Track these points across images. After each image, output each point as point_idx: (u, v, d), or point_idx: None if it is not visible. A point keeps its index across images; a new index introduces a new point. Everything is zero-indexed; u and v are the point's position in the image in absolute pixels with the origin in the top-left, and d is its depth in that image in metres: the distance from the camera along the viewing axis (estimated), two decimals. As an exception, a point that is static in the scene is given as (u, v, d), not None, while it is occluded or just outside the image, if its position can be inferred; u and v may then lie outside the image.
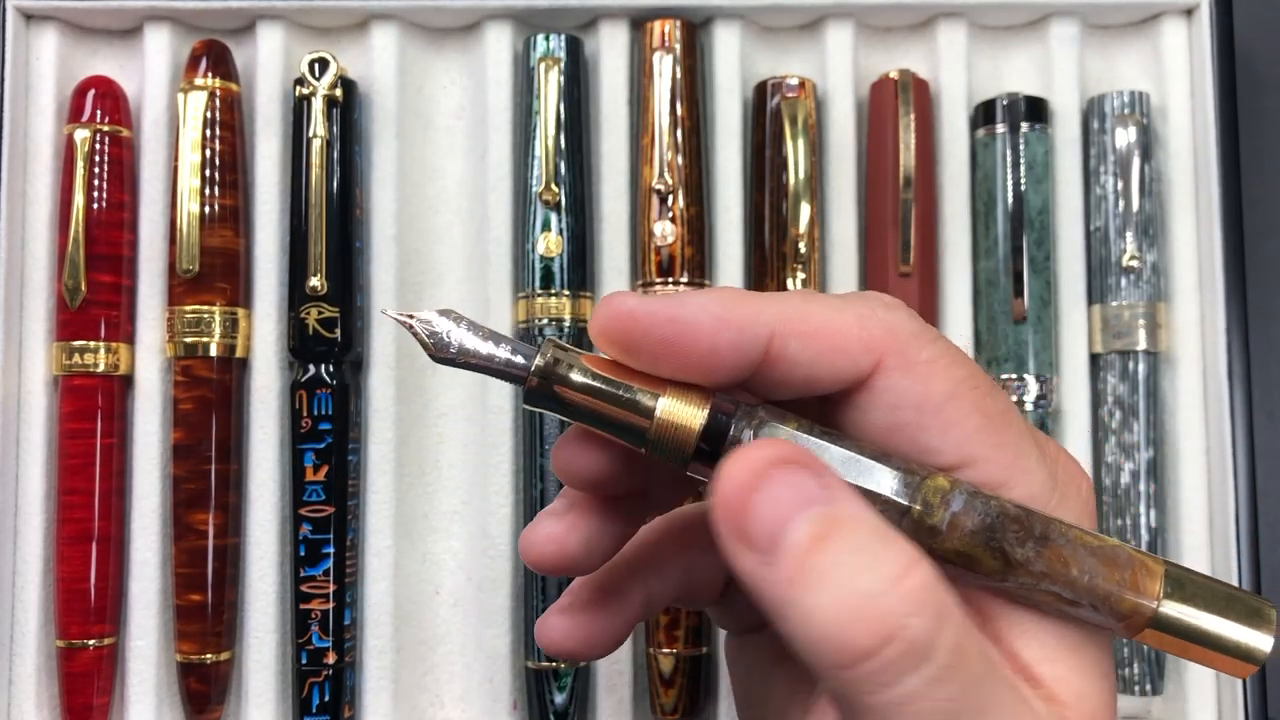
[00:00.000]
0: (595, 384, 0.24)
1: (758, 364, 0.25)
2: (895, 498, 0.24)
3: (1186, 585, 0.25)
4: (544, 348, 0.25)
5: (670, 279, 0.53)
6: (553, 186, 0.53)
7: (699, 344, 0.24)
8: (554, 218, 0.53)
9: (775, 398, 0.26)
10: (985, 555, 0.24)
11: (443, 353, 0.25)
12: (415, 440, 0.55)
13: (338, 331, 0.52)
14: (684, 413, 0.24)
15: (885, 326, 0.25)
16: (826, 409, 0.27)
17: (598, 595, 0.29)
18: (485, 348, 0.25)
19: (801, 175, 0.53)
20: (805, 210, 0.53)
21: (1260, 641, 0.25)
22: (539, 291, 0.53)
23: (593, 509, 0.27)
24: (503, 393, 0.54)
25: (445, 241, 0.56)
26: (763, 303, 0.25)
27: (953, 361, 0.26)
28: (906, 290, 0.54)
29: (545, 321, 0.53)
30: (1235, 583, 0.50)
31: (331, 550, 0.52)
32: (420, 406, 0.55)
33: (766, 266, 0.54)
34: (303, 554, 0.52)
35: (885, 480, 0.24)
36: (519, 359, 0.25)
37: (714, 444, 0.24)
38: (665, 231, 0.53)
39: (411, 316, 0.25)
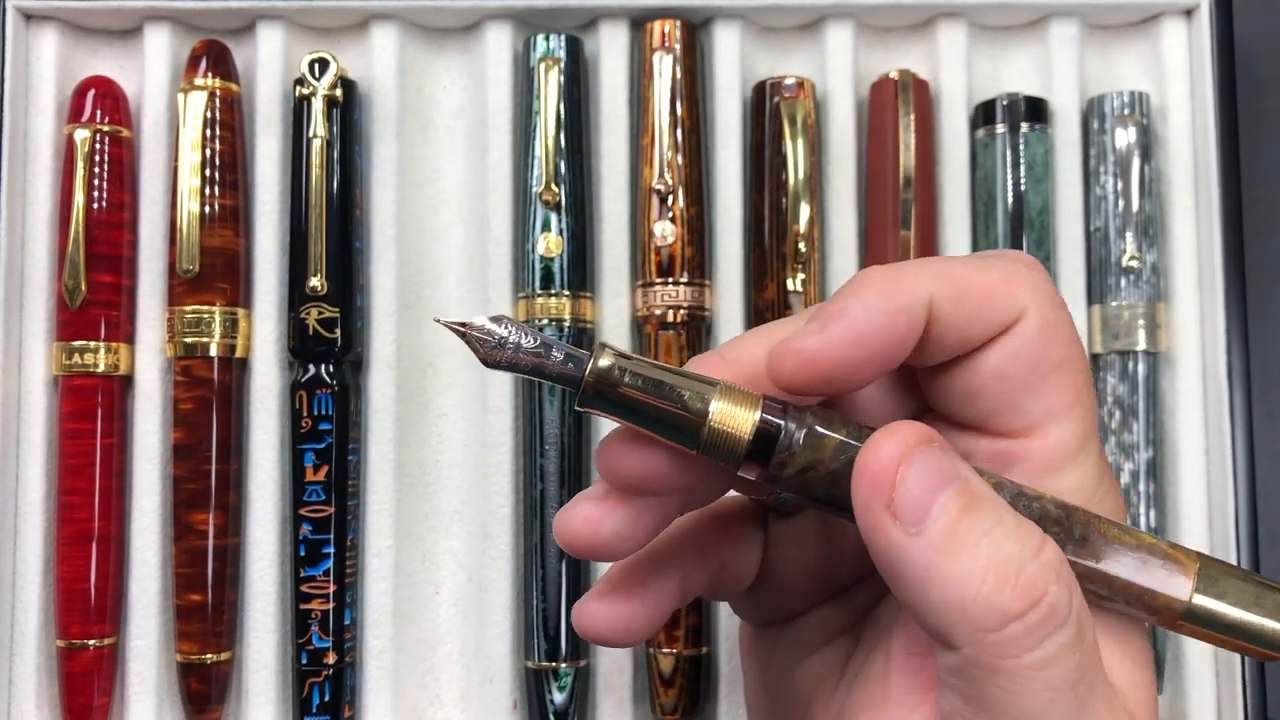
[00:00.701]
0: (649, 388, 0.25)
1: (924, 330, 0.26)
2: None
3: (1220, 580, 0.26)
4: (597, 351, 0.25)
5: (670, 279, 0.54)
6: (553, 186, 0.53)
7: (882, 347, 0.25)
8: (554, 218, 0.53)
9: (928, 363, 0.27)
10: None
11: (496, 358, 0.25)
12: (415, 440, 0.56)
13: (338, 332, 0.53)
14: (736, 415, 0.25)
15: (1028, 282, 0.26)
16: (933, 382, 0.27)
17: (634, 582, 0.30)
18: (539, 352, 0.25)
19: (801, 175, 0.53)
20: (805, 210, 0.54)
21: None
22: (539, 292, 0.53)
23: (630, 499, 0.27)
24: (502, 393, 0.54)
25: (445, 241, 0.56)
26: (913, 274, 0.26)
27: (1073, 338, 0.27)
28: None
29: (545, 322, 0.53)
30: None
31: (331, 550, 0.52)
32: (420, 407, 0.56)
33: (766, 266, 0.55)
34: (303, 554, 0.52)
35: None
36: (571, 365, 0.25)
37: (765, 445, 0.25)
38: (665, 232, 0.53)
39: (466, 325, 0.25)
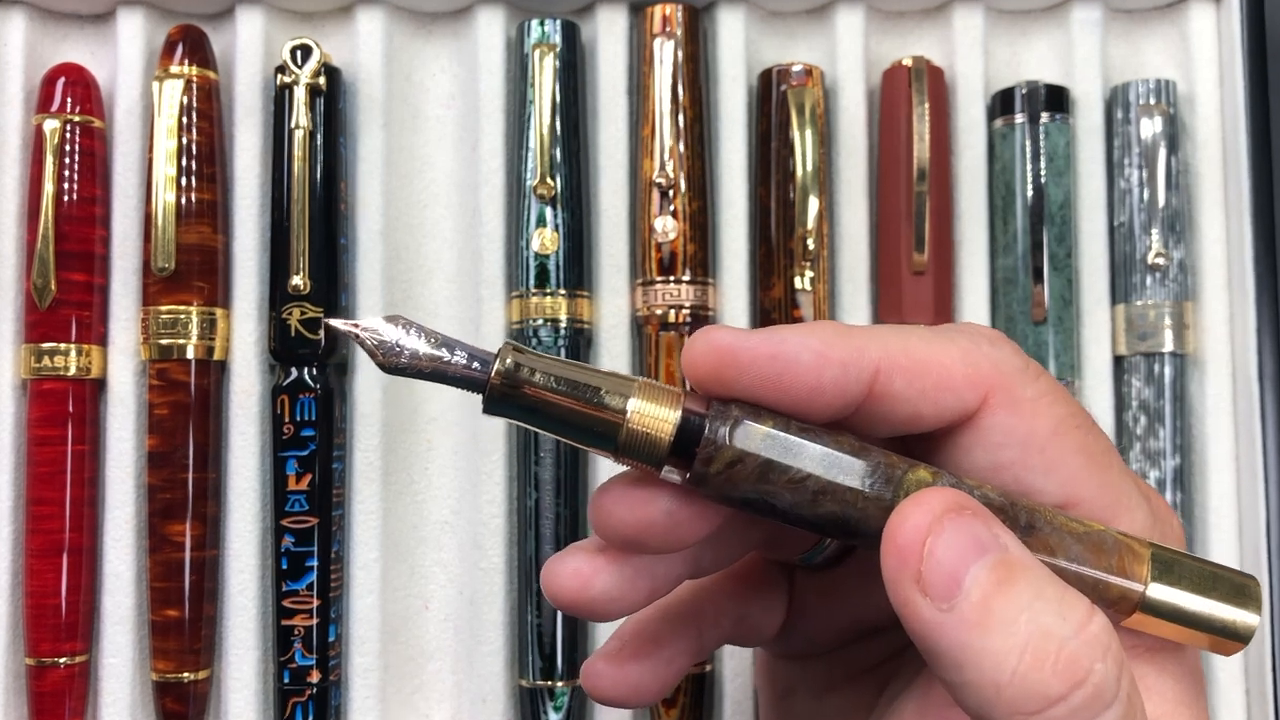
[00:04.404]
0: (561, 387, 0.25)
1: (861, 401, 0.26)
2: (876, 492, 0.26)
3: (1174, 567, 0.27)
4: (502, 351, 0.25)
5: (672, 277, 0.56)
6: (548, 180, 0.55)
7: (802, 382, 0.25)
8: (549, 212, 0.55)
9: (877, 435, 0.27)
10: None
11: (393, 362, 0.25)
12: (403, 447, 0.57)
13: (321, 333, 0.54)
14: (656, 413, 0.25)
15: (991, 362, 0.27)
16: (926, 446, 0.28)
17: (646, 640, 0.30)
18: (439, 354, 0.25)
19: (809, 167, 0.55)
20: (813, 204, 0.56)
21: (1247, 619, 0.27)
22: (534, 290, 0.55)
23: (626, 557, 0.27)
24: None
25: (435, 237, 0.58)
26: (866, 338, 0.26)
27: (1056, 399, 0.27)
28: (920, 289, 0.57)
29: (540, 322, 0.55)
30: (1267, 595, 0.53)
31: (315, 563, 0.54)
32: (408, 411, 0.57)
33: (773, 264, 0.57)
34: (285, 567, 0.54)
35: (865, 475, 0.26)
36: (476, 365, 0.25)
37: (688, 444, 0.25)
38: (666, 227, 0.55)
39: (357, 327, 0.25)
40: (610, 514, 0.26)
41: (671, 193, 0.55)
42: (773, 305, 0.57)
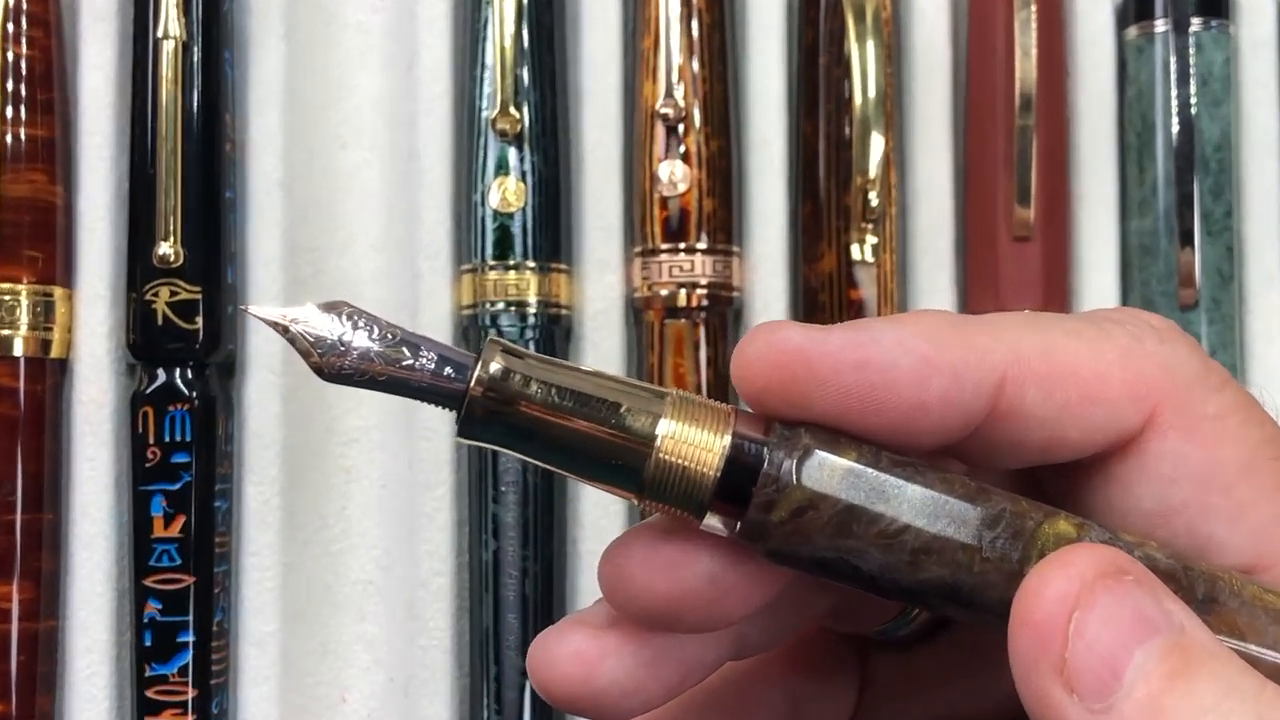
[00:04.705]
0: (566, 403, 0.24)
1: (979, 422, 0.25)
2: (1000, 551, 0.24)
3: None
4: (486, 352, 0.24)
5: (683, 244, 0.52)
6: (511, 110, 0.51)
7: (900, 398, 0.24)
8: (513, 155, 0.52)
9: (998, 467, 0.26)
10: None
11: (335, 365, 0.24)
12: (313, 478, 0.54)
13: (199, 321, 0.51)
14: (697, 440, 0.24)
15: (1161, 366, 0.25)
16: (1066, 484, 0.26)
17: None
18: (398, 355, 0.24)
19: (872, 94, 0.52)
20: (877, 144, 0.52)
21: None
22: (492, 263, 0.52)
23: (648, 636, 0.26)
24: (437, 409, 0.50)
25: (356, 189, 0.54)
26: (988, 334, 0.24)
27: (1248, 418, 0.26)
28: (1024, 260, 0.53)
29: (500, 306, 0.52)
30: None
31: (191, 638, 0.50)
32: (320, 429, 0.54)
33: (821, 226, 0.53)
34: (149, 644, 0.50)
35: (983, 527, 0.24)
36: (449, 370, 0.24)
37: (741, 482, 0.24)
38: (675, 175, 0.52)
39: (285, 318, 0.24)
40: (630, 579, 0.25)
41: (682, 128, 0.52)
42: (821, 283, 0.53)
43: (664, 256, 0.52)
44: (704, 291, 0.52)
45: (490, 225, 0.52)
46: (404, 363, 0.24)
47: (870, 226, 0.52)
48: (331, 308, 0.24)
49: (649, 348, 0.53)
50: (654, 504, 0.24)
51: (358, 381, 0.24)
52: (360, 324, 0.24)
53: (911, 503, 0.24)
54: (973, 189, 0.54)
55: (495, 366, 0.24)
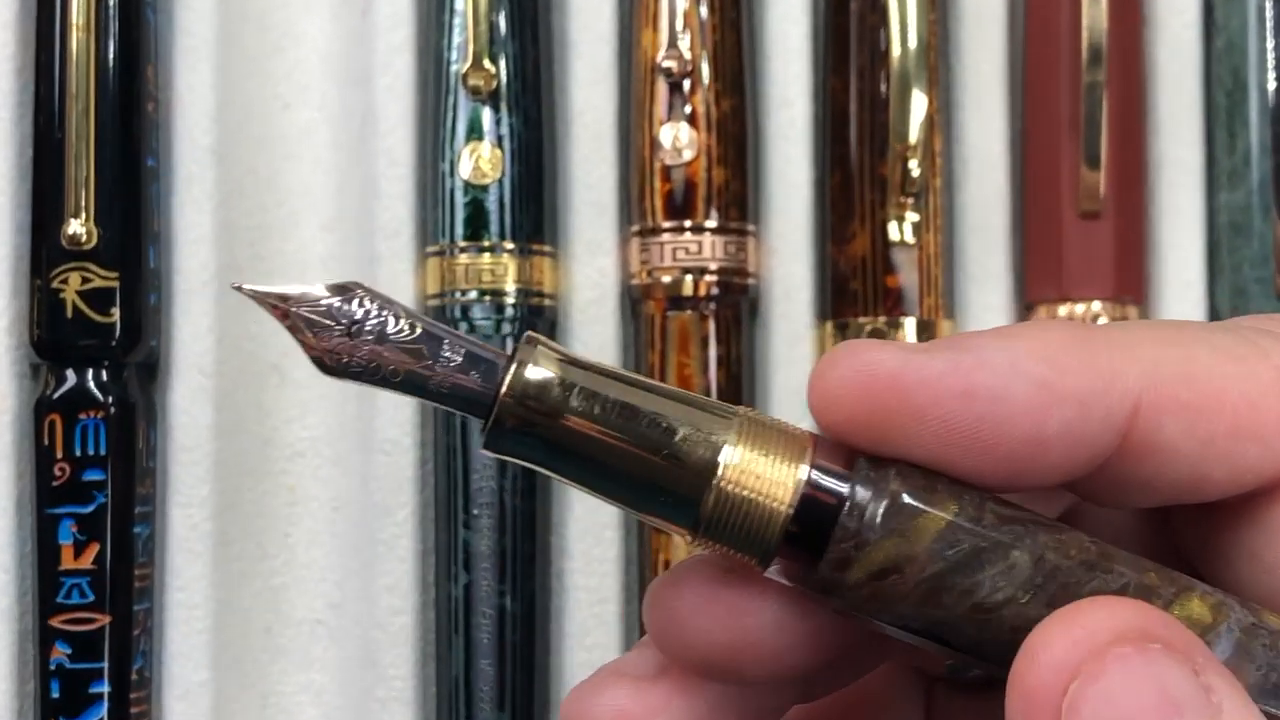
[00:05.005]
0: (613, 417, 0.23)
1: (1106, 457, 0.23)
2: None
3: None
4: (523, 349, 0.23)
5: (689, 222, 0.49)
6: (486, 64, 0.49)
7: (1012, 434, 0.23)
8: (488, 117, 0.50)
9: (1123, 505, 0.25)
10: None
11: (342, 358, 0.23)
12: (251, 499, 0.52)
13: (116, 312, 0.48)
14: (767, 471, 0.23)
15: None
16: (1201, 530, 0.25)
17: None
18: (416, 349, 0.23)
19: (913, 45, 0.50)
20: (919, 104, 0.49)
21: None
22: (463, 244, 0.49)
23: (703, 686, 0.25)
24: (399, 416, 0.49)
25: (302, 158, 0.52)
26: (1118, 352, 0.23)
27: None
28: (1094, 239, 0.50)
29: (473, 295, 0.50)
30: None
31: (106, 689, 0.48)
32: (259, 442, 0.51)
33: (852, 200, 0.50)
34: (56, 696, 0.48)
35: None
36: (475, 373, 0.23)
37: (815, 523, 0.23)
38: (680, 141, 0.50)
39: (285, 299, 0.23)
40: (685, 625, 0.24)
41: (688, 85, 0.50)
42: (852, 268, 0.50)
43: (666, 237, 0.50)
44: (714, 278, 0.50)
45: (461, 199, 0.49)
46: (424, 359, 0.23)
47: (910, 201, 0.49)
48: (341, 289, 0.23)
49: (648, 345, 0.50)
50: (710, 544, 0.23)
51: (367, 378, 0.23)
52: (375, 310, 0.23)
53: (1018, 572, 0.22)
54: (1032, 157, 0.51)
55: (532, 370, 0.23)
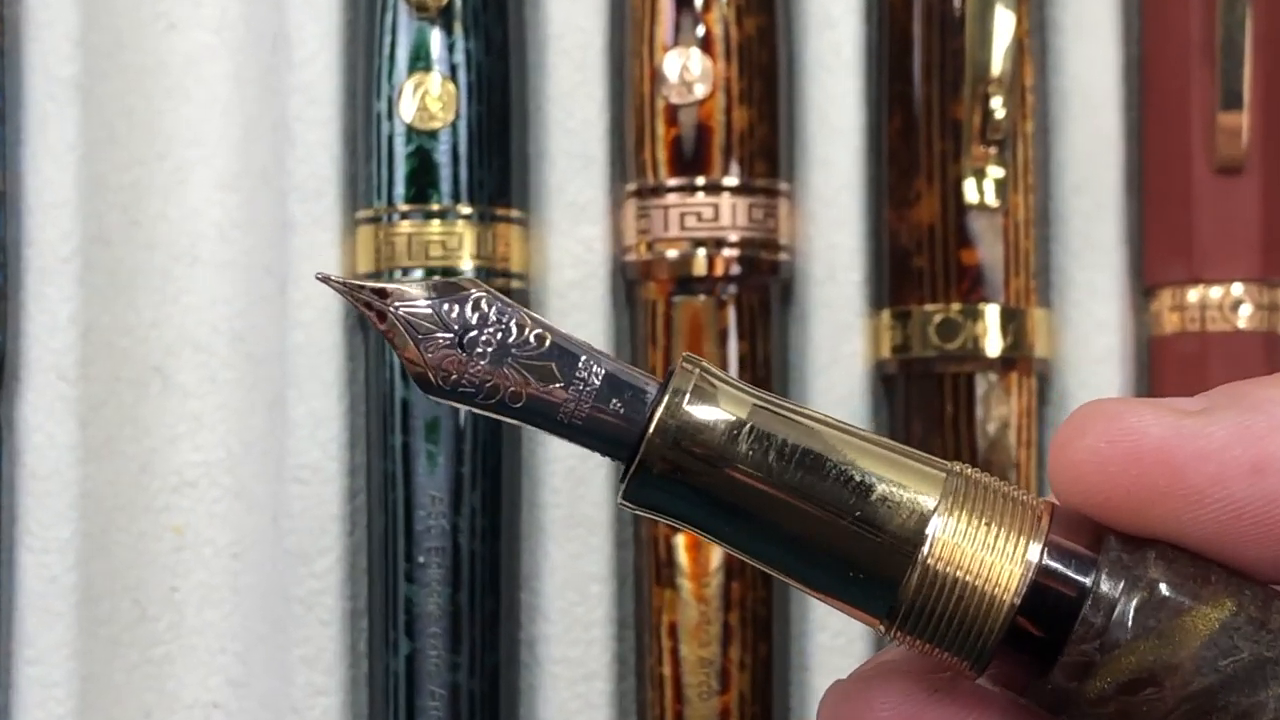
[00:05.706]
0: (792, 469, 0.21)
1: None
2: None
3: None
4: (678, 375, 0.22)
5: (702, 179, 0.45)
6: None
7: None
8: (438, 41, 0.46)
9: None
10: None
11: (453, 375, 0.22)
12: (125, 542, 0.48)
13: None
14: (987, 547, 0.21)
15: None
16: None
17: None
18: (546, 370, 0.22)
19: None
20: (1004, 26, 0.45)
21: None
22: (405, 207, 0.45)
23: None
24: (319, 434, 0.46)
25: (192, 95, 0.48)
26: None
27: None
28: (1235, 198, 0.46)
29: (419, 275, 0.46)
30: None
31: None
32: (135, 467, 0.47)
33: (917, 151, 0.46)
34: None
35: None
36: (618, 403, 0.22)
37: (1050, 619, 0.21)
38: (691, 73, 0.46)
39: (385, 295, 0.21)
40: None
41: (701, 0, 0.47)
42: (916, 240, 0.47)
43: (672, 198, 0.45)
44: (735, 253, 0.45)
45: (402, 149, 0.45)
46: (554, 381, 0.22)
47: (993, 152, 0.45)
48: (450, 288, 0.22)
49: (648, 340, 0.45)
50: (910, 639, 0.22)
51: (480, 402, 0.22)
52: (493, 315, 0.22)
53: None
54: (1152, 96, 0.47)
55: (691, 403, 0.22)
